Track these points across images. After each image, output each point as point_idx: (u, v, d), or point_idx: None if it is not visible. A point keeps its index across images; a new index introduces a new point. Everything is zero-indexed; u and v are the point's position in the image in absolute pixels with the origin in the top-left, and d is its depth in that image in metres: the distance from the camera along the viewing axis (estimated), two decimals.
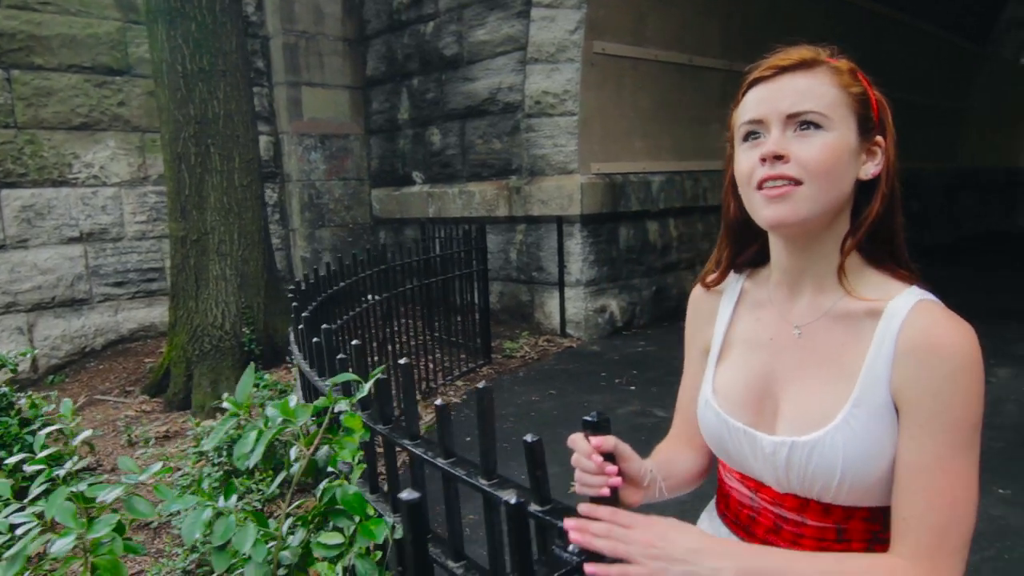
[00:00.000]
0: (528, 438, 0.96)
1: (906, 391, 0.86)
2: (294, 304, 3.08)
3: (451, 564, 1.12)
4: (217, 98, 5.52)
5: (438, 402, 1.17)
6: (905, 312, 0.88)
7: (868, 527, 0.92)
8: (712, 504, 1.12)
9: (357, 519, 1.18)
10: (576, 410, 2.21)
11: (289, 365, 5.85)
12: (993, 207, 16.48)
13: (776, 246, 0.99)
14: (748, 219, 0.97)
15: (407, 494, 0.95)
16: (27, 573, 1.18)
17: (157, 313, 7.59)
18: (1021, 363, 5.44)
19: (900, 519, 0.85)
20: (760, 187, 0.90)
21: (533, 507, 0.96)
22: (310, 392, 1.98)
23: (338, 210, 9.07)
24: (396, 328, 5.32)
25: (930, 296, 0.91)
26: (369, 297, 4.47)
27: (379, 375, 1.33)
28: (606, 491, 0.92)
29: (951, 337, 0.85)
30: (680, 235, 8.18)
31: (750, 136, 0.94)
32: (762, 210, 0.91)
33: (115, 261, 7.37)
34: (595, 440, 0.94)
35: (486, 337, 6.28)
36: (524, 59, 7.16)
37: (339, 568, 1.17)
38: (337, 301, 3.75)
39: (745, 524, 1.00)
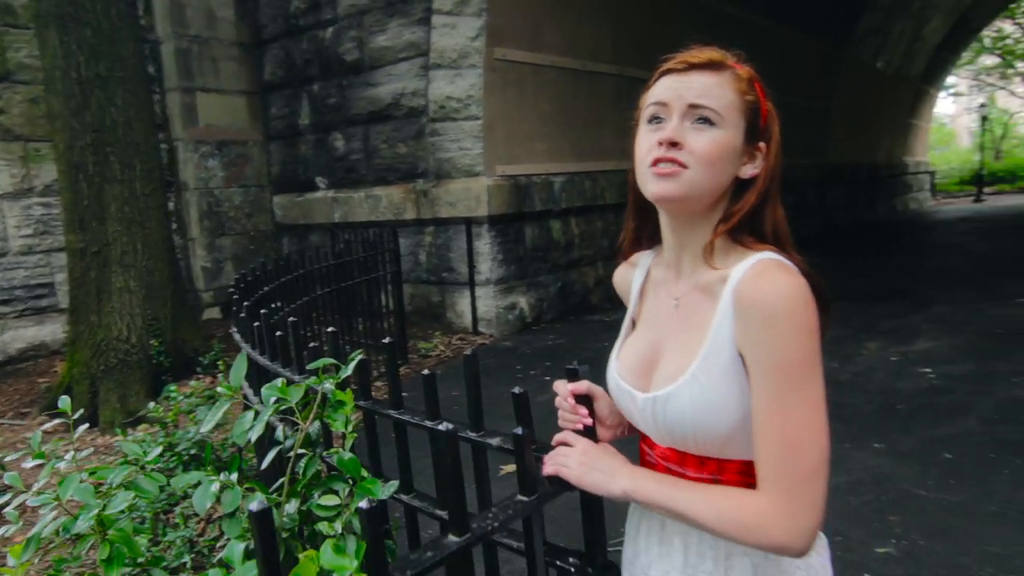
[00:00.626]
0: (516, 390, 1.15)
1: (743, 343, 0.96)
2: (234, 296, 3.14)
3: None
4: (116, 105, 5.37)
5: (425, 372, 1.33)
6: (742, 272, 0.98)
7: (743, 480, 1.01)
8: None
9: (352, 480, 1.33)
10: (498, 402, 2.35)
11: (200, 375, 5.75)
12: (858, 200, 17.95)
13: (665, 226, 1.13)
14: (639, 201, 1.14)
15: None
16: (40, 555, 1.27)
17: (49, 331, 7.23)
18: (887, 337, 6.08)
19: (756, 460, 0.96)
20: (654, 164, 1.03)
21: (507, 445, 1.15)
22: (260, 379, 2.06)
23: (239, 218, 8.90)
24: (312, 332, 5.35)
25: (775, 256, 1.00)
26: (282, 305, 4.50)
27: (359, 356, 1.48)
28: (580, 427, 1.13)
29: (770, 287, 0.94)
30: (582, 232, 8.55)
31: (653, 119, 1.07)
32: (650, 184, 1.04)
33: None
34: (571, 385, 1.14)
35: (402, 338, 6.39)
36: (427, 64, 7.31)
37: (338, 525, 1.32)
38: (263, 303, 3.79)
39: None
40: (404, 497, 1.42)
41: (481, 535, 1.00)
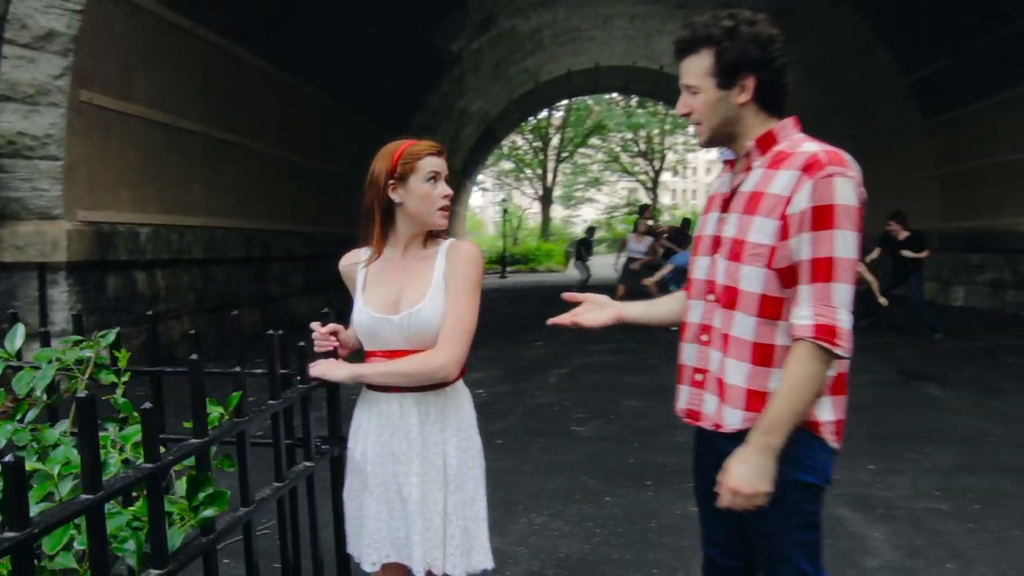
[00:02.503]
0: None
1: (448, 274, 1.81)
2: None
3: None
4: None
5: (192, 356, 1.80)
6: (448, 244, 1.86)
7: None
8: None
9: (124, 416, 1.75)
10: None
11: None
12: None
13: (404, 231, 1.88)
14: (386, 217, 1.86)
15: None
16: None
17: None
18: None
19: (440, 331, 1.77)
20: (441, 208, 1.83)
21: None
22: None
23: None
24: None
25: (456, 239, 1.92)
26: None
27: (116, 331, 1.86)
28: (331, 347, 1.79)
29: (465, 246, 1.85)
30: (168, 285, 8.44)
31: (431, 179, 1.83)
32: (438, 219, 1.83)
33: None
34: (325, 328, 1.80)
35: None
36: None
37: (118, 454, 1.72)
38: None
39: None
40: None
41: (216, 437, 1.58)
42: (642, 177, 48.66)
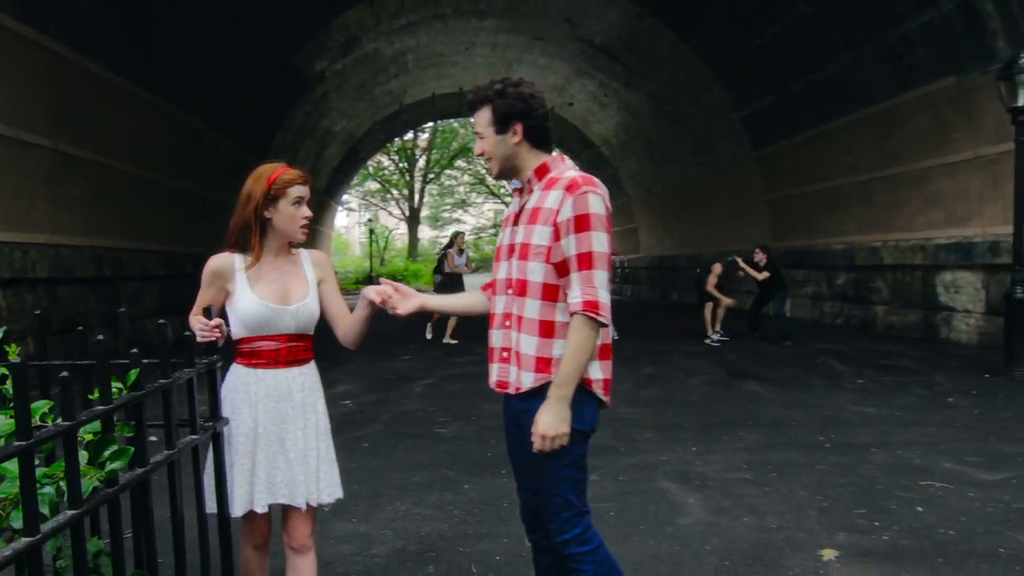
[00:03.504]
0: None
1: (320, 276, 2.29)
2: None
3: None
4: None
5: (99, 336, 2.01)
6: (306, 252, 2.32)
7: (311, 344, 2.29)
8: (235, 365, 2.28)
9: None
10: None
11: None
12: None
13: (276, 242, 2.24)
14: (262, 229, 2.21)
15: None
16: None
17: None
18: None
19: (337, 322, 2.29)
20: (303, 227, 2.23)
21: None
22: None
23: None
24: None
25: (310, 249, 2.37)
26: None
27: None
28: (215, 337, 2.07)
29: (320, 254, 2.35)
30: (10, 306, 8.02)
31: (297, 203, 2.21)
32: (299, 235, 2.23)
33: None
34: (213, 321, 2.10)
35: None
36: None
37: None
38: None
39: (270, 357, 2.21)
40: None
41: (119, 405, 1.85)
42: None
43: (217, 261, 2.26)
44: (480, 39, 18.94)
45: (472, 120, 2.16)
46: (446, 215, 54.06)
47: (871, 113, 12.13)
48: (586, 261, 1.96)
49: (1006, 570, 3.06)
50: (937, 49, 10.18)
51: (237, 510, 2.18)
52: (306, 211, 2.25)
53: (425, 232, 54.28)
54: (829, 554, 3.23)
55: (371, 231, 34.97)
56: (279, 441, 2.20)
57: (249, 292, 2.21)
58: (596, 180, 2.04)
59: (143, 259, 11.59)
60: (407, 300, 2.20)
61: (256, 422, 2.19)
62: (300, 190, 2.23)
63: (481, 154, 2.15)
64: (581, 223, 1.96)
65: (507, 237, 2.16)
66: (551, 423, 1.94)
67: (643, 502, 3.93)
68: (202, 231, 13.99)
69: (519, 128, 2.07)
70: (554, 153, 2.16)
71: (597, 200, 1.98)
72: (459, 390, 7.31)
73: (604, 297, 1.97)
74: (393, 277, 35.42)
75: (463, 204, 52.98)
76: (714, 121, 17.32)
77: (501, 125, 2.07)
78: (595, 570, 2.06)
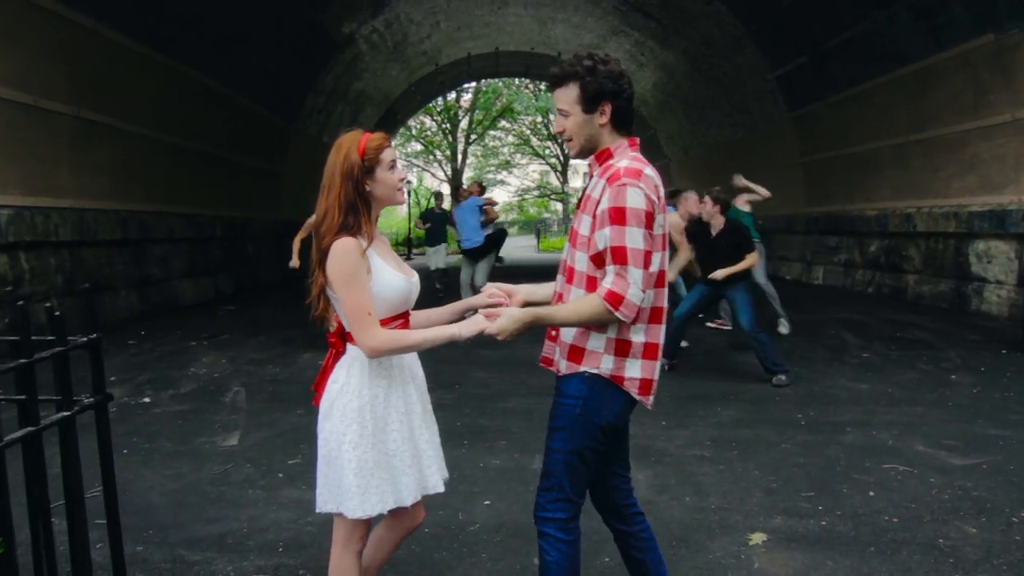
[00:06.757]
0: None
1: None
2: None
3: None
4: None
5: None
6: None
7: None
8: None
9: None
10: None
11: None
12: (310, 250, 20.38)
13: (374, 214, 2.11)
14: (366, 205, 2.06)
15: None
16: None
17: None
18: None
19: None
20: (399, 190, 2.09)
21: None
22: None
23: None
24: None
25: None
26: None
27: None
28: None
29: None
30: (32, 268, 8.37)
31: (391, 167, 2.07)
32: (399, 197, 2.09)
33: None
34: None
35: None
36: None
37: None
38: None
39: None
40: None
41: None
42: (552, 160, 49.46)
43: (353, 247, 2.04)
44: None
45: (553, 95, 2.06)
46: (490, 176, 53.71)
47: (905, 73, 11.56)
48: (620, 256, 1.91)
49: (937, 562, 2.97)
50: (973, 5, 9.59)
51: (408, 499, 2.15)
52: (401, 172, 2.13)
53: None
54: (758, 538, 3.19)
55: (411, 192, 35.11)
56: (424, 423, 2.23)
57: (389, 269, 2.11)
58: (643, 172, 1.95)
59: (171, 221, 11.90)
60: (512, 309, 2.05)
61: (408, 406, 2.17)
62: (391, 153, 2.10)
63: (562, 131, 2.05)
64: (615, 216, 1.91)
65: (575, 220, 2.12)
66: (505, 326, 1.95)
67: None
68: (228, 195, 14.28)
69: (608, 109, 1.99)
70: (622, 140, 2.06)
71: (636, 194, 1.91)
72: (452, 356, 7.35)
73: (634, 294, 1.91)
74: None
75: (507, 165, 52.56)
76: (748, 81, 16.74)
77: (590, 104, 1.99)
78: (559, 560, 2.06)
